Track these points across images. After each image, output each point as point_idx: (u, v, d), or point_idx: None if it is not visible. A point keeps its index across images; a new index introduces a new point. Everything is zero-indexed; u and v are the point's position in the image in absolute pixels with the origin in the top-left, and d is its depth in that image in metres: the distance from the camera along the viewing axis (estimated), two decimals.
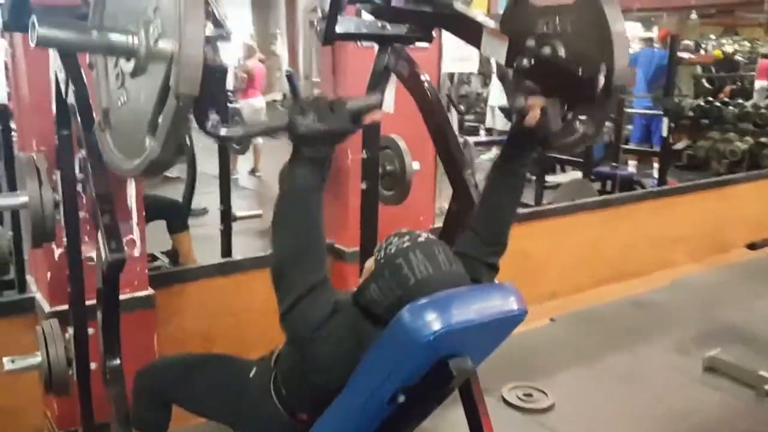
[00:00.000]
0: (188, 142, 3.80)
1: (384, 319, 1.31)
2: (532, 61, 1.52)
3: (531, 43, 1.53)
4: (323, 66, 2.86)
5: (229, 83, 9.43)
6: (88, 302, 2.17)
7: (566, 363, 3.24)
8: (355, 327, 1.37)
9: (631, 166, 7.02)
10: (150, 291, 2.37)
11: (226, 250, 3.39)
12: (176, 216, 3.58)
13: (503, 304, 1.33)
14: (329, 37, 1.96)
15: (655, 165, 6.49)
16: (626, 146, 7.02)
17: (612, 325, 3.77)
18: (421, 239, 1.42)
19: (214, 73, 1.19)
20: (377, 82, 2.23)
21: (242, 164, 7.14)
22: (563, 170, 7.04)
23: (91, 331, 1.89)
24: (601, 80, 1.37)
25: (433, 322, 1.20)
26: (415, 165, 2.38)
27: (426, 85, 2.02)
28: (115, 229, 1.62)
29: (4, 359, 1.89)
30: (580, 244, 4.15)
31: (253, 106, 7.22)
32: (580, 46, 1.44)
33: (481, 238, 1.57)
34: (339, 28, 1.92)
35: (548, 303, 3.90)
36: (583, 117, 1.46)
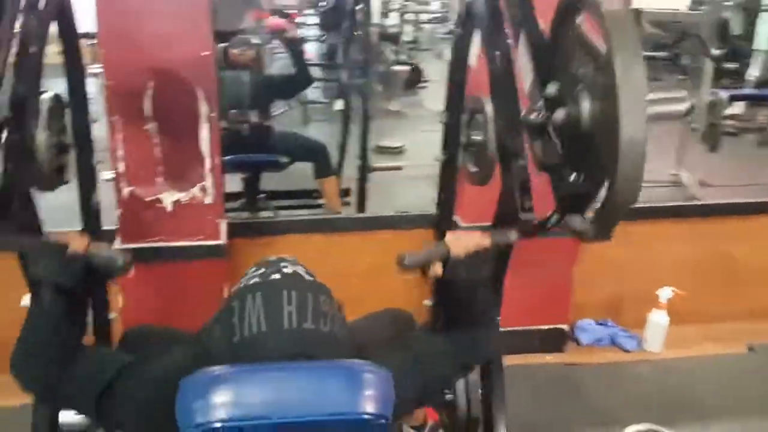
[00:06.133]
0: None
1: None
2: (541, 115, 1.09)
3: (552, 89, 1.08)
4: None
5: None
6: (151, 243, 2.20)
7: (759, 408, 2.47)
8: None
9: None
10: (222, 241, 2.25)
11: (361, 204, 3.18)
12: (322, 160, 3.45)
13: (337, 398, 0.88)
14: None
15: None
16: None
17: None
18: (275, 276, 1.05)
19: None
20: (463, 25, 1.76)
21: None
22: None
23: None
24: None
25: (204, 410, 0.84)
26: None
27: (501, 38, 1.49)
28: None
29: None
30: None
31: None
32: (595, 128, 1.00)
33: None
34: None
35: (751, 325, 3.00)
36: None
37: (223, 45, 3.68)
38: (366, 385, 0.90)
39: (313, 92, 6.35)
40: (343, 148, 3.62)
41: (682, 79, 7.10)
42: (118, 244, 2.19)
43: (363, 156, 3.12)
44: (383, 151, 4.73)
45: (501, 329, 2.67)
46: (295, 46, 3.60)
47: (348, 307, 1.24)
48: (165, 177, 2.16)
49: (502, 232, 1.27)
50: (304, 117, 6.01)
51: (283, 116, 5.63)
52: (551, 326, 2.81)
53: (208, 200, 2.21)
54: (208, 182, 2.19)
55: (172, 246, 2.19)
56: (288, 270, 1.07)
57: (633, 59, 0.88)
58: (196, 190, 2.20)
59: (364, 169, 3.14)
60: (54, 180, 1.65)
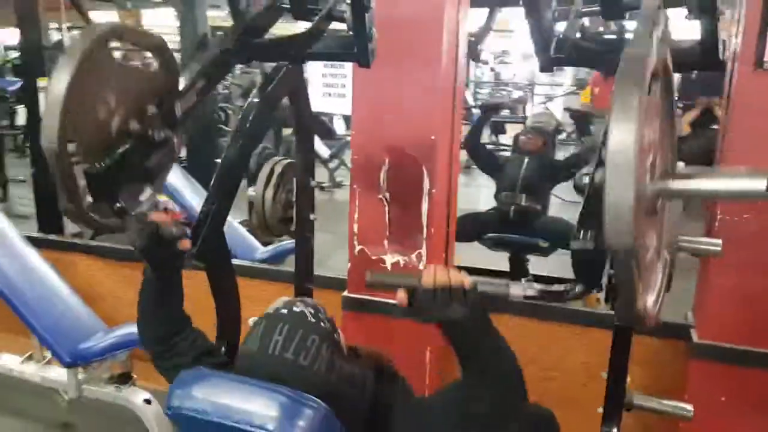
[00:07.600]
0: None
1: None
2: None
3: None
4: None
5: None
6: (369, 296, 2.51)
7: None
8: None
9: None
10: None
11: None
12: None
13: (267, 416, 1.02)
14: (546, 64, 1.63)
15: None
16: None
17: None
18: (282, 311, 1.23)
19: None
20: None
21: None
22: None
23: None
24: None
25: (177, 397, 1.09)
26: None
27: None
28: None
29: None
30: None
31: None
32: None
33: None
34: (555, 51, 1.58)
35: None
36: None
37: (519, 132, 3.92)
38: (299, 416, 1.04)
39: None
40: None
41: None
42: (345, 293, 2.57)
43: None
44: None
45: None
46: (583, 122, 3.62)
47: None
48: (389, 240, 2.47)
49: (500, 284, 1.20)
50: None
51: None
52: None
53: (421, 266, 2.43)
54: (424, 250, 2.42)
55: (386, 302, 2.46)
56: (297, 309, 1.25)
57: (627, 123, 0.84)
58: (413, 256, 2.45)
59: None
60: (278, 228, 2.11)
